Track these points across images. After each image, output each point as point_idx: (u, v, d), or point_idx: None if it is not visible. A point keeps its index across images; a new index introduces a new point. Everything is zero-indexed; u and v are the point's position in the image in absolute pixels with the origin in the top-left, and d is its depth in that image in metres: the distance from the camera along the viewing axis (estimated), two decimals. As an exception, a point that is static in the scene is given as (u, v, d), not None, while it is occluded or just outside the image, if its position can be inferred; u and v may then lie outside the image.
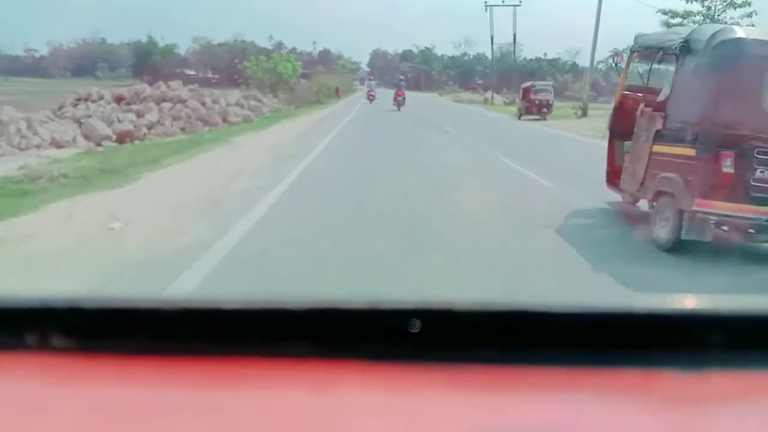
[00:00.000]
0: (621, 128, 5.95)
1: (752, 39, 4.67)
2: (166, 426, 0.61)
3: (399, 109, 26.25)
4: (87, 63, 67.86)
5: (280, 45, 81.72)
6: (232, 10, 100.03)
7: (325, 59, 74.21)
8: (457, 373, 0.67)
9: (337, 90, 42.36)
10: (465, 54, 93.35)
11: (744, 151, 4.50)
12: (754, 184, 4.51)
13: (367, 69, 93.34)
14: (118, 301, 0.77)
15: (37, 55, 73.21)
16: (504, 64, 56.22)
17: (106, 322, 0.72)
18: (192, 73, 68.97)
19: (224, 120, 18.88)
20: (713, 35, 4.75)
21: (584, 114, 26.18)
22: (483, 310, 0.70)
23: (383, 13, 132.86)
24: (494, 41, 51.45)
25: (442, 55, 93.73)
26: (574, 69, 66.72)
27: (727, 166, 4.52)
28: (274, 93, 31.39)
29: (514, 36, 46.15)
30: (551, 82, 32.98)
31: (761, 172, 4.51)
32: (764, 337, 0.70)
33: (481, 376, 0.67)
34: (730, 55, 4.62)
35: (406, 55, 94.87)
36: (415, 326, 0.68)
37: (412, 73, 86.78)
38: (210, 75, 56.71)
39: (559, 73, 60.96)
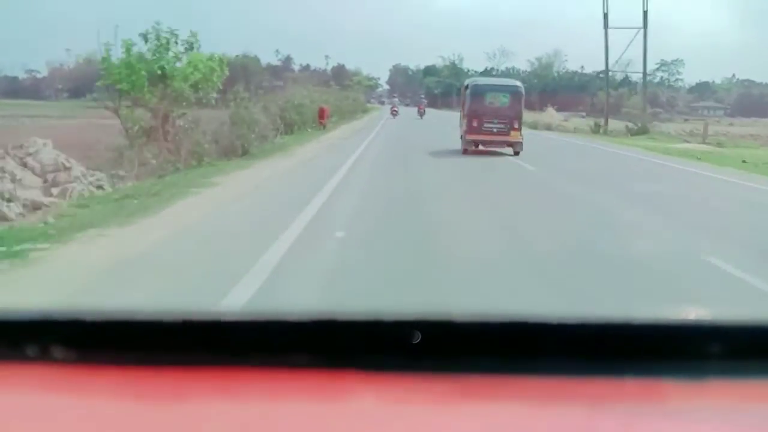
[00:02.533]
0: (461, 116, 20.50)
1: (482, 83, 20.78)
2: None
3: (421, 118, 44.40)
4: (87, 83, 75.68)
5: (288, 59, 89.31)
6: (240, 25, 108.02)
7: (340, 75, 78.76)
8: (457, 384, 0.79)
9: (321, 113, 29.55)
10: (492, 68, 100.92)
11: (480, 118, 19.41)
12: (482, 128, 19.36)
13: (387, 86, 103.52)
14: (118, 313, 0.88)
15: (39, 75, 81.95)
16: (546, 78, 55.95)
17: (106, 334, 0.85)
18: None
19: None
20: (471, 81, 20.54)
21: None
22: (482, 321, 0.83)
23: (403, 26, 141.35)
24: (531, 55, 49.70)
25: (468, 70, 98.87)
26: (626, 84, 68.25)
27: (474, 124, 19.34)
28: (157, 126, 16.76)
29: (645, 14, 37.86)
30: None
31: (485, 125, 19.10)
32: (762, 347, 0.83)
33: (480, 386, 0.79)
34: (474, 88, 19.97)
35: (430, 70, 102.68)
36: (416, 337, 0.80)
37: (438, 88, 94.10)
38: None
39: (612, 87, 61.97)
